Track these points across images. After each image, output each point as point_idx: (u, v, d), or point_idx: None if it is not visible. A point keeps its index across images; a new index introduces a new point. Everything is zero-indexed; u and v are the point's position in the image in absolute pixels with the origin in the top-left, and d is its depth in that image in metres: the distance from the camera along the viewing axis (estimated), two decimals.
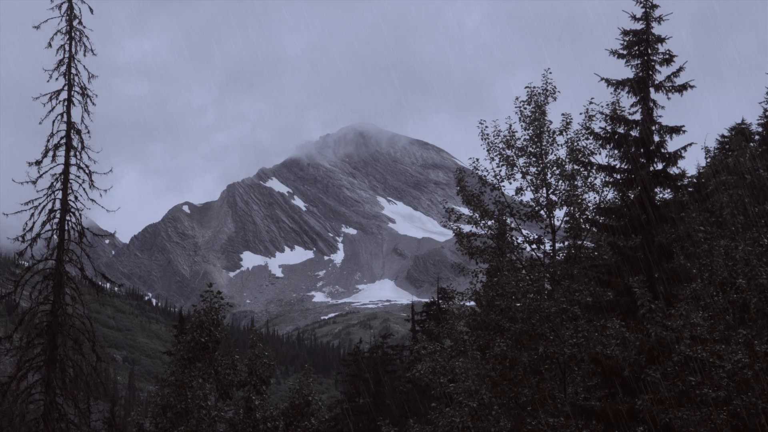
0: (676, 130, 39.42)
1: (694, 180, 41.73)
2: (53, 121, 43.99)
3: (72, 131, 44.16)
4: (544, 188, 34.15)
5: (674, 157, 39.12)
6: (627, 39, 39.43)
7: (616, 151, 38.63)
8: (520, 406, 30.06)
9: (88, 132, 44.40)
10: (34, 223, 43.32)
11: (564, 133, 34.71)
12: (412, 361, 55.35)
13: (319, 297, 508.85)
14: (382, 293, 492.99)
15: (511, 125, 34.88)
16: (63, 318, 42.97)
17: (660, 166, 39.10)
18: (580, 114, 35.11)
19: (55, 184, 43.93)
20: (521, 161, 34.47)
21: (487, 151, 34.92)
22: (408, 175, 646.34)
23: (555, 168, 34.12)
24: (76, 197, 44.16)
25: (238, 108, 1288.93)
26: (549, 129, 34.58)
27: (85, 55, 44.33)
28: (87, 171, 44.25)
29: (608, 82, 39.40)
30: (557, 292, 31.11)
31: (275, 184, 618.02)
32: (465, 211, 37.03)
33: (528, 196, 34.66)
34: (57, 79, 44.12)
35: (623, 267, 36.10)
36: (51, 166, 43.86)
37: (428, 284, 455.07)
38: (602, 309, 32.85)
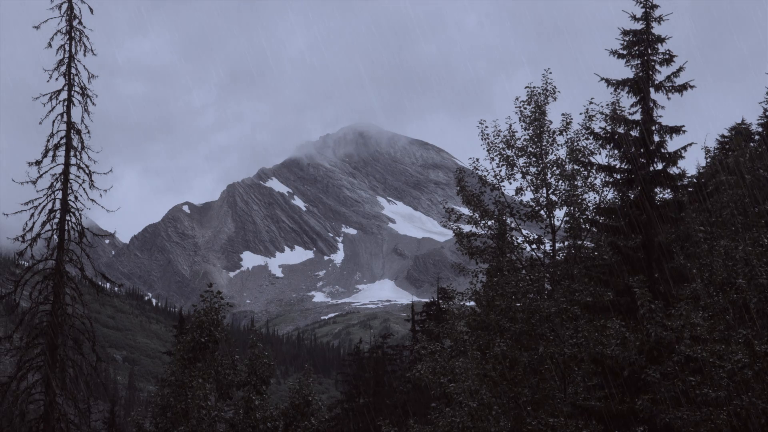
0: (676, 130, 39.40)
1: (694, 180, 41.71)
2: (53, 121, 44.01)
3: (72, 131, 44.17)
4: (544, 188, 34.16)
5: (674, 157, 39.10)
6: (627, 39, 39.41)
7: (616, 151, 38.61)
8: (520, 406, 30.05)
9: (88, 132, 44.46)
10: (34, 223, 43.34)
11: (564, 133, 34.72)
12: (412, 361, 55.39)
13: (319, 297, 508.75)
14: (382, 293, 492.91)
15: (511, 125, 34.91)
16: (63, 318, 42.97)
17: (660, 166, 39.09)
18: (580, 114, 35.14)
19: (55, 184, 43.94)
20: (521, 161, 34.49)
21: (487, 151, 34.94)
22: (408, 175, 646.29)
23: (555, 168, 34.13)
24: (76, 197, 44.17)
25: (238, 108, 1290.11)
26: (549, 129, 34.59)
27: (85, 55, 44.37)
28: (87, 171, 44.27)
29: (608, 82, 39.38)
30: (557, 292, 31.12)
31: (275, 184, 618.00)
32: (465, 211, 37.03)
33: (528, 196, 34.69)
34: (57, 79, 44.16)
35: (623, 267, 36.08)
36: (51, 166, 43.89)
37: (428, 284, 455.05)
38: (602, 309, 32.86)
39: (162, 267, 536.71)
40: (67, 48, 44.09)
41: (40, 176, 43.59)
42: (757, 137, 48.35)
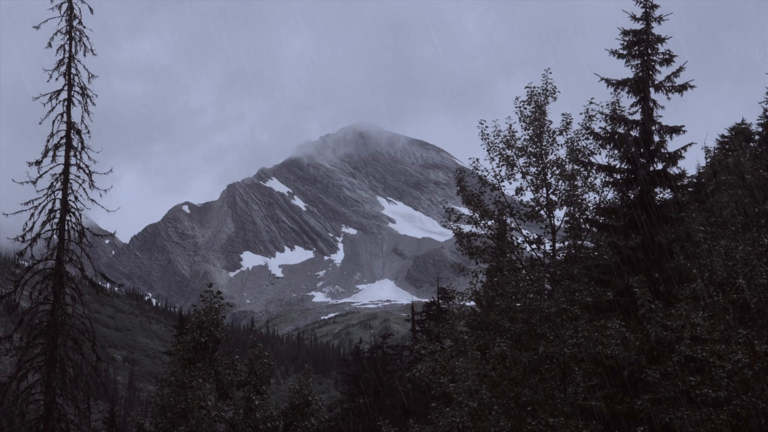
0: (676, 130, 39.40)
1: (694, 180, 41.71)
2: (53, 121, 44.01)
3: (72, 131, 44.17)
4: (544, 188, 34.14)
5: (674, 157, 39.10)
6: (627, 39, 39.41)
7: (616, 151, 38.61)
8: (520, 406, 30.05)
9: (88, 132, 44.45)
10: (34, 223, 43.34)
11: (564, 133, 34.69)
12: (412, 361, 55.37)
13: (319, 297, 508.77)
14: (382, 293, 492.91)
15: (511, 125, 34.87)
16: (63, 318, 42.96)
17: (660, 166, 39.09)
18: (580, 114, 35.10)
19: (55, 184, 43.93)
20: (521, 161, 34.46)
21: (487, 151, 34.91)
22: (408, 175, 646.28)
23: (555, 168, 34.11)
24: (76, 197, 44.17)
25: (238, 108, 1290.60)
26: (549, 129, 34.56)
27: (85, 55, 44.37)
28: (87, 171, 44.27)
29: (608, 82, 39.38)
30: (557, 292, 31.10)
31: (275, 184, 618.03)
32: (465, 211, 37.02)
33: (528, 196, 34.65)
34: (57, 79, 44.16)
35: (623, 267, 36.08)
36: (51, 166, 43.89)
37: (428, 284, 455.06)
38: (602, 309, 32.85)
39: (162, 267, 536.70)
40: (67, 48, 44.10)
41: (40, 176, 43.60)
42: (757, 137, 48.34)
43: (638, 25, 39.37)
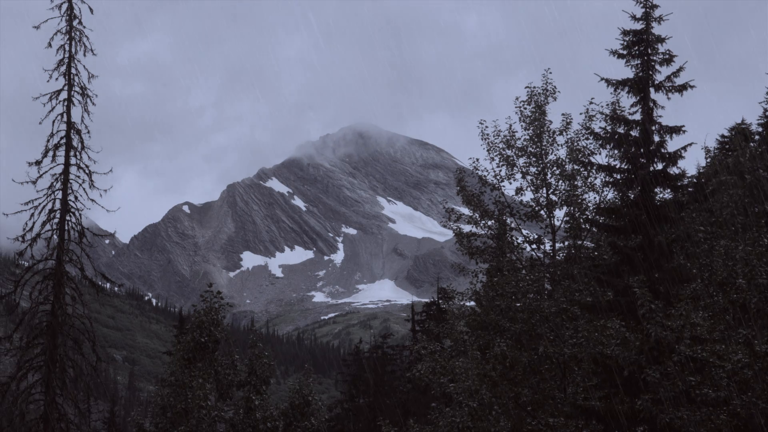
0: (676, 130, 39.40)
1: (694, 180, 41.70)
2: (53, 121, 43.99)
3: (72, 131, 44.15)
4: (544, 188, 34.15)
5: (674, 157, 39.10)
6: (627, 39, 39.40)
7: (616, 151, 38.61)
8: (520, 406, 30.05)
9: (88, 132, 44.43)
10: (34, 223, 43.32)
11: (564, 133, 34.71)
12: (412, 361, 55.36)
13: (319, 297, 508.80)
14: (382, 293, 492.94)
15: (511, 125, 34.89)
16: (63, 318, 42.95)
17: (660, 166, 39.08)
18: (580, 114, 35.12)
19: (55, 184, 43.92)
20: (521, 161, 34.47)
21: (487, 151, 34.92)
22: (408, 175, 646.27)
23: (555, 168, 34.12)
24: (76, 197, 44.15)
25: (238, 108, 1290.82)
26: (549, 129, 34.58)
27: (85, 55, 44.35)
28: (87, 171, 44.26)
29: (608, 82, 39.38)
30: (557, 292, 31.10)
31: (275, 184, 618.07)
32: (465, 211, 37.03)
33: (528, 196, 34.68)
34: (57, 79, 44.13)
35: (623, 267, 36.08)
36: (51, 166, 43.87)
37: (428, 284, 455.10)
38: (602, 309, 32.84)
39: (162, 267, 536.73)
40: (67, 48, 44.08)
41: (40, 176, 43.58)
42: (757, 137, 48.31)
43: (638, 25, 39.36)
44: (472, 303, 35.22)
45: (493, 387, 29.79)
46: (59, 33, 44.01)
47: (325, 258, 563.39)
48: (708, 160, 42.90)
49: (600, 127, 37.66)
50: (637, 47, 39.31)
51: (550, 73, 35.18)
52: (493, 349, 30.02)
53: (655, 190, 38.67)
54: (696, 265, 28.14)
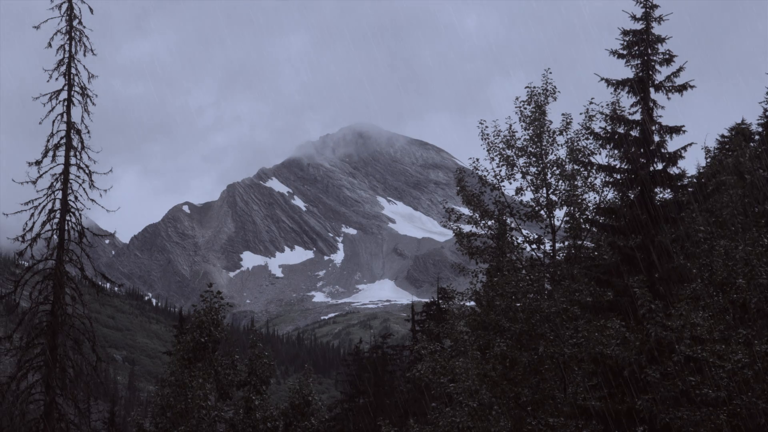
0: (676, 130, 39.40)
1: (694, 180, 41.70)
2: (53, 121, 44.00)
3: (72, 131, 44.16)
4: (544, 188, 34.15)
5: (674, 157, 39.10)
6: (627, 39, 39.40)
7: (616, 151, 38.60)
8: (520, 406, 30.05)
9: (88, 132, 44.44)
10: (34, 223, 43.33)
11: (564, 133, 34.71)
12: (412, 361, 55.38)
13: (319, 297, 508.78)
14: (382, 293, 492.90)
15: (511, 125, 34.89)
16: (63, 318, 42.96)
17: (660, 166, 39.08)
18: (580, 114, 35.12)
19: (55, 184, 43.93)
20: (521, 161, 34.47)
21: (487, 151, 34.92)
22: (408, 175, 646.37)
23: (555, 168, 34.12)
24: (76, 197, 44.16)
25: (237, 108, 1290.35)
26: (549, 129, 34.58)
27: (85, 55, 44.35)
28: (87, 171, 44.26)
29: (608, 82, 39.38)
30: (557, 292, 31.10)
31: (275, 184, 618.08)
32: (465, 211, 37.03)
33: (528, 196, 34.68)
34: (57, 79, 44.14)
35: (623, 267, 36.08)
36: (51, 166, 43.87)
37: (428, 284, 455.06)
38: (602, 309, 32.85)
39: (162, 267, 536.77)
40: (67, 48, 44.09)
41: (40, 176, 43.58)
42: (757, 137, 48.32)
43: (638, 25, 39.36)
44: (472, 303, 35.22)
45: (493, 387, 29.80)
46: (59, 33, 44.02)
47: (325, 258, 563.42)
48: (708, 160, 42.92)
49: (600, 127, 37.67)
50: (637, 47, 39.31)
51: (550, 73, 35.20)
52: (493, 349, 30.02)
53: (655, 190, 38.67)
54: (696, 265, 28.16)
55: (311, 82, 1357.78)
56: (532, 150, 34.38)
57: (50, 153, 43.76)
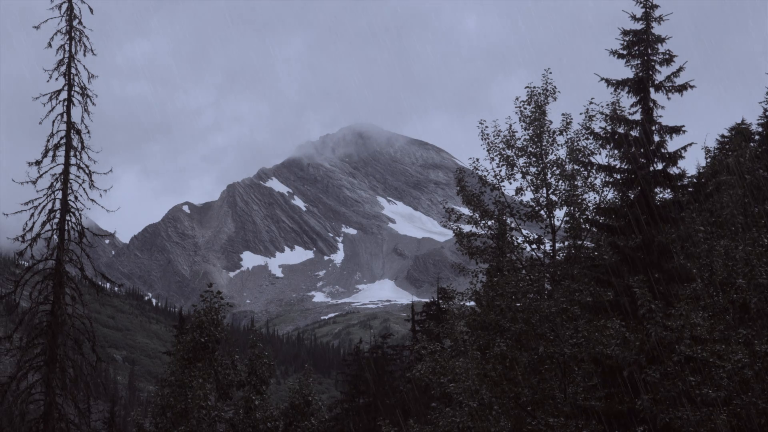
0: (676, 130, 39.39)
1: (694, 180, 41.70)
2: (53, 121, 43.99)
3: (72, 131, 44.15)
4: (544, 188, 34.17)
5: (674, 157, 39.09)
6: (627, 39, 39.39)
7: (616, 151, 38.58)
8: (520, 406, 30.05)
9: (88, 132, 44.43)
10: (34, 223, 43.32)
11: (564, 133, 34.72)
12: (412, 361, 55.38)
13: (319, 297, 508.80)
14: (382, 293, 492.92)
15: (511, 125, 34.91)
16: (63, 318, 42.95)
17: (660, 166, 39.06)
18: (580, 114, 35.14)
19: (55, 184, 43.92)
20: (521, 161, 34.49)
21: (487, 151, 34.94)
22: (408, 175, 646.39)
23: (555, 168, 34.13)
24: (76, 197, 44.15)
25: (237, 109, 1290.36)
26: (549, 129, 34.60)
27: (85, 55, 44.35)
28: (87, 171, 44.26)
29: (608, 82, 39.36)
30: (557, 292, 31.11)
31: (275, 184, 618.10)
32: (465, 211, 37.03)
33: (528, 196, 34.70)
34: (57, 79, 44.13)
35: (623, 267, 36.07)
36: (51, 166, 43.86)
37: (428, 284, 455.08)
38: (602, 309, 32.85)
39: (162, 267, 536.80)
40: (67, 48, 44.08)
41: (40, 176, 43.57)
42: (757, 137, 48.33)
43: (638, 25, 39.35)
44: (472, 303, 35.22)
45: (493, 387, 29.80)
46: (59, 33, 44.02)
47: (325, 258, 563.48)
48: (708, 160, 42.92)
49: (600, 127, 37.66)
50: (637, 47, 39.30)
51: (550, 73, 35.23)
52: (493, 349, 30.03)
53: (655, 190, 38.66)
54: (696, 265, 28.18)
55: (311, 82, 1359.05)
56: (532, 150, 34.40)
57: (50, 153, 43.76)
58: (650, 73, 39.31)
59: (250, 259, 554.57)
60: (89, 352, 43.87)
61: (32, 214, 43.36)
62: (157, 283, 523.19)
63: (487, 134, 34.95)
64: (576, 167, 34.31)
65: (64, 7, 44.11)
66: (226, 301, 39.44)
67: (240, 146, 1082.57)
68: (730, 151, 44.12)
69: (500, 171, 34.61)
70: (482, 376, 29.75)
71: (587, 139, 34.86)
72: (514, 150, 34.54)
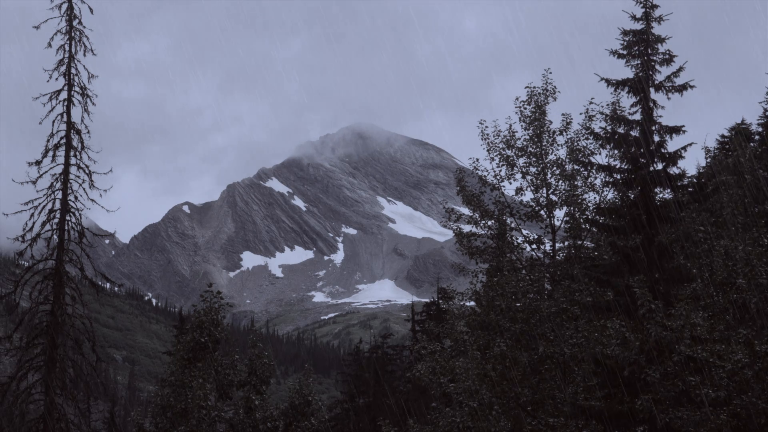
0: (676, 130, 39.41)
1: (694, 180, 41.71)
2: (53, 121, 43.98)
3: (72, 131, 44.15)
4: (544, 188, 34.17)
5: (674, 157, 39.12)
6: (627, 39, 39.42)
7: (616, 151, 38.61)
8: (520, 406, 30.05)
9: (88, 132, 44.42)
10: (34, 223, 43.31)
11: (564, 133, 34.73)
12: (412, 361, 55.40)
13: (319, 297, 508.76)
14: (382, 293, 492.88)
15: (511, 125, 34.92)
16: (63, 318, 42.95)
17: (660, 166, 39.09)
18: (580, 114, 35.15)
19: (55, 184, 43.91)
20: (521, 161, 34.50)
21: (487, 151, 34.95)
22: (408, 175, 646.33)
23: (555, 168, 34.14)
24: (76, 197, 44.14)
25: (237, 109, 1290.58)
26: (549, 129, 34.60)
27: (85, 55, 44.34)
28: (87, 171, 44.24)
29: (608, 82, 39.39)
30: (557, 292, 31.11)
31: (275, 184, 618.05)
32: (465, 211, 37.04)
33: (528, 196, 34.71)
34: (57, 79, 44.11)
35: (623, 267, 36.08)
36: (51, 166, 43.84)
37: (428, 284, 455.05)
38: (602, 309, 32.85)
39: (162, 267, 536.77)
40: (67, 48, 44.07)
41: (40, 176, 43.56)
42: (757, 137, 48.30)
43: (638, 25, 39.37)
44: (472, 303, 35.23)
45: (493, 387, 29.80)
46: (59, 33, 44.00)
47: (325, 258, 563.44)
48: (708, 160, 42.90)
49: (600, 127, 37.68)
50: (637, 47, 39.32)
51: (550, 73, 35.24)
52: (493, 349, 30.03)
53: (655, 190, 38.68)
54: (696, 265, 28.17)
55: (311, 82, 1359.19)
56: (532, 150, 34.40)
57: (50, 153, 43.75)
58: (650, 73, 39.32)
59: (250, 259, 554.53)
60: (89, 352, 43.86)
61: (32, 214, 43.36)
62: (157, 283, 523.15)
63: (487, 134, 34.96)
64: (576, 167, 34.33)
65: (64, 7, 44.12)
66: (226, 301, 39.40)
67: (240, 146, 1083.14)
68: (730, 151, 44.12)
69: (500, 171, 34.63)
70: (482, 376, 29.75)
71: (587, 139, 34.87)
72: (514, 150, 34.54)
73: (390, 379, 67.84)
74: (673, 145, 39.84)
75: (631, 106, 39.15)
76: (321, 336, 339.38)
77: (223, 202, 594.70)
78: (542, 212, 34.26)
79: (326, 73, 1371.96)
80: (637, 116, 39.12)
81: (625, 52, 39.50)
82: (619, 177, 38.56)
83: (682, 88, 39.39)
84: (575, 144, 34.43)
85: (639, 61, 39.31)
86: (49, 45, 43.96)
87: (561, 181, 33.98)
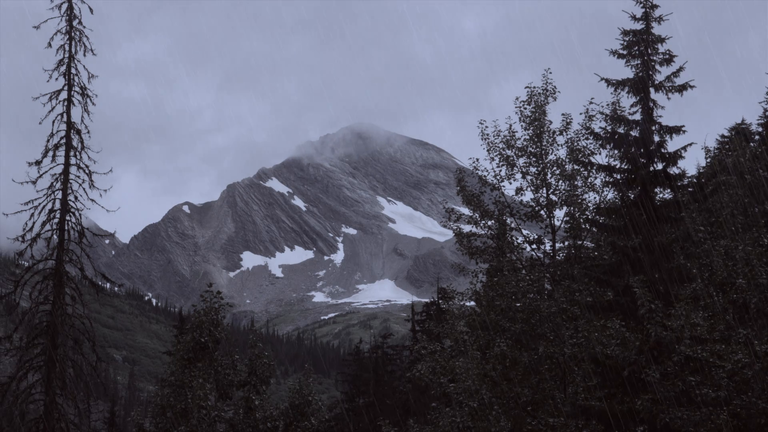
0: (676, 130, 39.41)
1: (694, 180, 41.71)
2: (53, 121, 43.99)
3: (72, 131, 44.15)
4: (544, 188, 34.14)
5: (674, 157, 39.12)
6: (627, 39, 39.41)
7: (616, 151, 38.62)
8: (520, 406, 30.05)
9: (88, 132, 44.44)
10: (34, 223, 43.32)
11: (564, 133, 34.69)
12: (412, 361, 55.35)
13: (319, 297, 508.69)
14: (382, 293, 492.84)
15: (511, 125, 34.87)
16: (63, 318, 42.95)
17: (660, 166, 39.10)
18: (580, 114, 35.11)
19: (55, 184, 43.92)
20: (521, 161, 34.46)
21: (487, 151, 34.91)
22: (408, 175, 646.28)
23: (555, 168, 34.10)
24: (76, 197, 44.15)
25: (237, 109, 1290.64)
26: (549, 129, 34.56)
27: (85, 55, 44.35)
28: (87, 171, 44.25)
29: (608, 82, 39.39)
30: (557, 292, 31.10)
31: (275, 184, 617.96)
32: (465, 211, 37.02)
33: (528, 196, 34.66)
34: (57, 79, 44.13)
35: (623, 267, 36.08)
36: (51, 166, 43.86)
37: (428, 284, 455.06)
38: (602, 309, 32.85)
39: (162, 267, 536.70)
40: (67, 48, 44.08)
41: (40, 176, 43.57)
42: (757, 137, 48.29)
43: (638, 25, 39.37)
44: (472, 303, 35.21)
45: (493, 387, 29.80)
46: (59, 33, 44.01)
47: (325, 258, 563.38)
48: (708, 160, 42.89)
49: (600, 127, 37.68)
50: (637, 47, 39.32)
51: (550, 73, 35.18)
52: (493, 349, 30.03)
53: (655, 190, 38.68)
54: (696, 265, 28.16)
55: (311, 82, 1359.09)
56: (532, 150, 34.36)
57: (50, 153, 43.76)
58: (650, 73, 39.33)
59: (250, 259, 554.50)
60: (89, 352, 43.87)
61: (32, 214, 43.37)
62: (157, 283, 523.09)
63: (487, 134, 34.92)
64: (576, 167, 34.29)
65: (64, 7, 44.13)
66: (226, 301, 39.39)
67: (240, 146, 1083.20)
68: (730, 151, 44.11)
69: (500, 171, 34.59)
70: (482, 376, 29.75)
71: (587, 139, 34.83)
72: (514, 150, 34.51)
73: (390, 379, 67.84)
74: (673, 145, 39.88)
75: (631, 106, 39.15)
76: (321, 336, 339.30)
77: (223, 202, 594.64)
78: (542, 212, 34.23)
79: (326, 73, 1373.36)
80: (637, 116, 39.12)
81: (625, 52, 39.50)
82: (619, 177, 38.55)
83: (682, 88, 39.39)
84: (575, 144, 34.41)
85: (639, 61, 39.31)
86: (49, 45, 43.98)
87: (561, 181, 33.95)
